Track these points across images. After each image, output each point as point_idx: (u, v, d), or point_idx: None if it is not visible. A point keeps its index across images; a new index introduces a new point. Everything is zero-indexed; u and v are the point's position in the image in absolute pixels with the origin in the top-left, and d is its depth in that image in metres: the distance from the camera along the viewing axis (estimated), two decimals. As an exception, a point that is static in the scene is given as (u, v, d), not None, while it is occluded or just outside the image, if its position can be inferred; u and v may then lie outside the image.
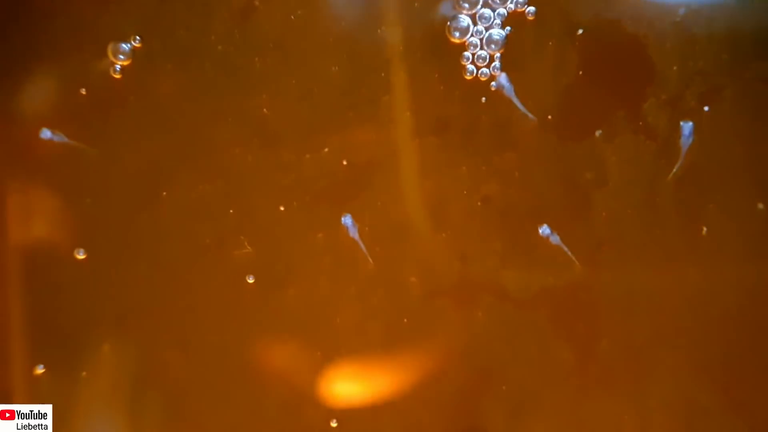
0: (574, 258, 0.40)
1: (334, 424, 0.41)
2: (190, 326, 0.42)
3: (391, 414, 0.41)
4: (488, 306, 0.41)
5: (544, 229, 0.40)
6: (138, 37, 0.41)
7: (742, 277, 0.39)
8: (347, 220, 0.42)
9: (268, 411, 0.42)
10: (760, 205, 0.38)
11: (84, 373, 0.42)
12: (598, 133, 0.39)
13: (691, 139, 0.39)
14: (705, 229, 0.39)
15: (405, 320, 0.41)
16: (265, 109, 0.41)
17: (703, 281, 0.39)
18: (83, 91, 0.42)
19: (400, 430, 0.41)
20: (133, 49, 0.42)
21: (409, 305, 0.41)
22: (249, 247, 0.41)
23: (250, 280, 0.41)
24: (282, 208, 0.41)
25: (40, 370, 0.42)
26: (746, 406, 0.39)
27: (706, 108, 0.38)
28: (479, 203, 0.41)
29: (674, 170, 0.39)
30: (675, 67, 0.39)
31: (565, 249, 0.40)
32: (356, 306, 0.41)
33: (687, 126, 0.39)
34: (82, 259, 0.42)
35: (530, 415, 0.40)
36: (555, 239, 0.40)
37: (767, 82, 0.38)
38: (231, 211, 0.41)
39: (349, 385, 0.41)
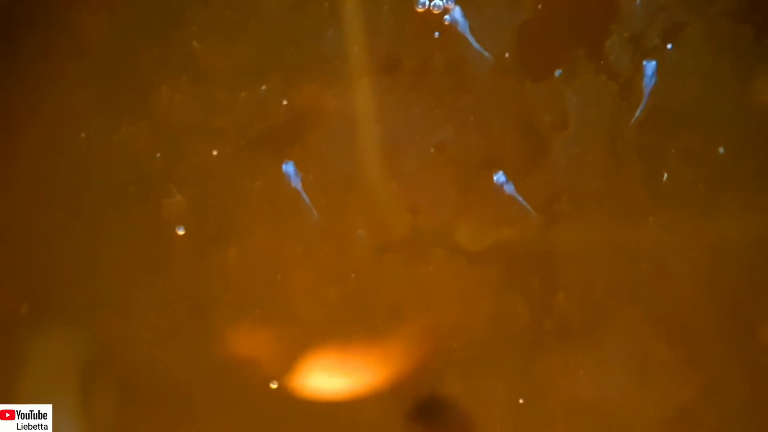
0: (530, 208, 0.38)
1: (274, 385, 0.38)
2: (114, 281, 0.38)
3: (333, 370, 0.38)
4: (440, 260, 0.38)
5: (499, 178, 0.38)
6: (48, -43, 0.36)
7: (701, 226, 0.37)
8: (289, 167, 0.38)
9: (205, 371, 0.38)
10: (722, 149, 0.37)
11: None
12: (557, 72, 0.37)
13: (654, 80, 0.37)
14: (666, 175, 0.37)
15: (352, 276, 0.38)
16: (195, 42, 0.37)
17: (662, 231, 0.37)
18: (-18, 17, 0.37)
19: (349, 389, 0.39)
20: (42, -29, 0.37)
21: (356, 260, 0.38)
22: (178, 196, 0.38)
23: (180, 232, 0.37)
24: (215, 153, 0.37)
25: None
26: (699, 359, 0.38)
27: (669, 46, 0.37)
28: (432, 150, 0.38)
29: (637, 114, 0.37)
30: (638, 2, 0.36)
31: (521, 199, 0.38)
32: (299, 261, 0.38)
33: (650, 66, 0.36)
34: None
35: (484, 372, 0.38)
36: (510, 188, 0.38)
37: (732, 17, 0.36)
38: (158, 155, 0.37)
39: (291, 346, 0.39)
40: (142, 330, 0.38)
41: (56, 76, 0.37)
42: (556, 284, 0.38)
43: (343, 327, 0.39)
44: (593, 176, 0.38)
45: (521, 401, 0.38)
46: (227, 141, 0.38)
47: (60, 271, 0.38)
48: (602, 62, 0.37)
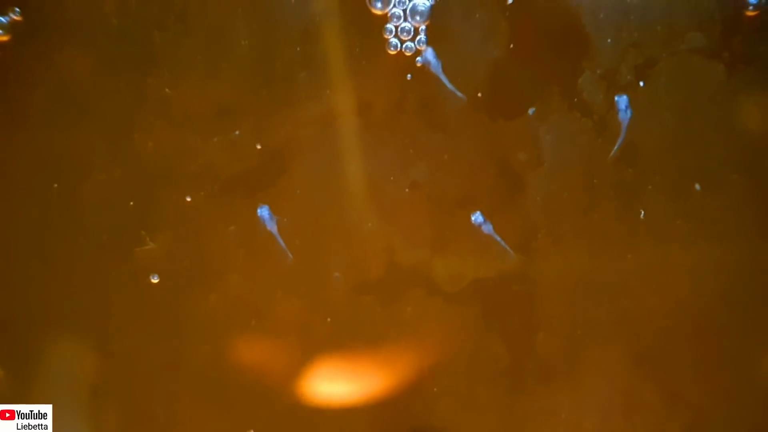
0: (507, 246, 0.37)
1: (250, 434, 0.38)
2: (89, 332, 0.37)
3: (314, 421, 0.38)
4: (417, 301, 0.37)
5: (476, 217, 0.37)
6: (17, 9, 0.36)
7: (680, 263, 0.37)
8: (263, 211, 0.38)
9: (183, 418, 0.38)
10: (697, 186, 0.36)
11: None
12: (531, 110, 0.37)
13: (629, 115, 0.37)
14: (643, 212, 0.37)
15: (328, 320, 0.38)
16: (167, 89, 0.37)
17: (641, 268, 0.37)
18: (-45, 69, 0.37)
19: (327, 436, 0.38)
20: (12, 23, 0.37)
21: (332, 303, 0.38)
22: (151, 244, 0.37)
23: (155, 280, 0.37)
24: (189, 199, 0.37)
25: None
26: (683, 399, 0.37)
27: (641, 83, 0.36)
28: (407, 189, 0.38)
29: (615, 149, 0.36)
30: (609, 39, 0.36)
31: (497, 238, 0.37)
32: (274, 306, 0.38)
33: (623, 101, 0.37)
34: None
35: (465, 414, 0.37)
36: (489, 228, 0.37)
37: (702, 54, 0.36)
38: (131, 203, 0.37)
39: (267, 392, 0.38)
40: (120, 378, 0.38)
41: (28, 125, 0.37)
42: (535, 324, 0.37)
43: (321, 371, 0.38)
44: (570, 213, 0.37)
45: (503, 444, 0.37)
46: (201, 186, 0.37)
47: (34, 322, 0.38)
48: (576, 99, 0.37)
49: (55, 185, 0.37)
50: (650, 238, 0.37)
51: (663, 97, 0.36)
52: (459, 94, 0.37)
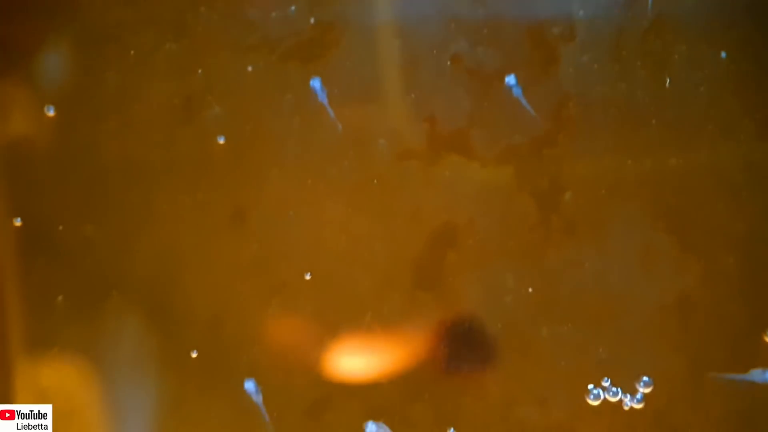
0: (537, 116, 0.41)
1: (308, 276, 0.42)
2: (161, 184, 0.42)
3: (360, 264, 0.42)
4: (455, 165, 0.41)
5: (510, 80, 0.40)
6: None
7: (701, 125, 0.40)
8: (316, 83, 0.41)
9: (243, 266, 0.42)
10: (723, 54, 0.39)
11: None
12: (565, -15, 0.39)
13: None
14: (669, 80, 0.40)
15: (375, 181, 0.42)
16: (230, -34, 0.41)
17: (664, 132, 0.40)
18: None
19: (369, 281, 0.42)
20: None
21: (378, 167, 0.42)
22: (217, 108, 0.41)
23: (221, 141, 0.42)
24: (250, 68, 0.41)
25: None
26: (698, 249, 0.40)
27: (671, -46, 0.39)
28: (448, 62, 0.41)
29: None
30: None
31: (529, 107, 0.40)
32: (326, 168, 0.42)
33: None
34: (52, 117, 0.42)
35: (496, 264, 0.41)
36: (518, 92, 0.40)
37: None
38: (200, 71, 0.41)
39: (320, 244, 0.42)
40: (186, 233, 0.43)
41: None
42: (563, 184, 0.41)
43: (367, 228, 0.42)
44: (599, 84, 0.40)
45: (530, 290, 0.41)
46: (260, 57, 0.41)
47: (111, 177, 0.42)
48: (608, -26, 0.39)
49: (132, 52, 0.41)
50: (674, 104, 0.40)
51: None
52: (498, -30, 0.40)
